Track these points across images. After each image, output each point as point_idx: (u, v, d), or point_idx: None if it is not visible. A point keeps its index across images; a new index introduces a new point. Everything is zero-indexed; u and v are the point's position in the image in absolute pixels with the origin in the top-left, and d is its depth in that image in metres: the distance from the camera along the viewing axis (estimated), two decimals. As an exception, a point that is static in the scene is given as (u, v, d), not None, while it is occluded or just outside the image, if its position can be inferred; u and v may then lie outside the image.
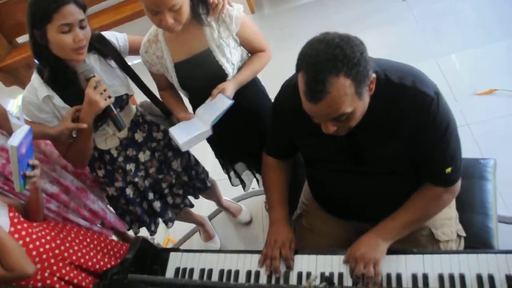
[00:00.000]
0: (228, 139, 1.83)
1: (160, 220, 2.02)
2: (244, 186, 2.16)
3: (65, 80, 1.51)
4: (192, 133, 1.52)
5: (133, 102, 1.76)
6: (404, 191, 1.36)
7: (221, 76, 1.57)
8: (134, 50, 1.68)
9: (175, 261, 1.49)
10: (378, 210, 1.36)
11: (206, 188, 2.10)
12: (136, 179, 1.80)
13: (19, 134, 1.32)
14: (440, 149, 1.24)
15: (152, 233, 2.03)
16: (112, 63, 1.63)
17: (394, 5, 3.48)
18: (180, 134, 1.53)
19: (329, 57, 1.04)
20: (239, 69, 1.64)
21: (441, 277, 1.21)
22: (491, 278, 1.17)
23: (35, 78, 1.52)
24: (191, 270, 1.45)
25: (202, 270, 1.44)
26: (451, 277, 1.20)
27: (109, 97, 1.48)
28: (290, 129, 1.41)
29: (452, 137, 1.24)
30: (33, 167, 1.40)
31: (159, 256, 1.52)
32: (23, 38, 4.53)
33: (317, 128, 1.22)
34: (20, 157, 1.32)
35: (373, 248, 1.28)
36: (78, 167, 1.75)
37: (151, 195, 1.88)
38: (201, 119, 1.55)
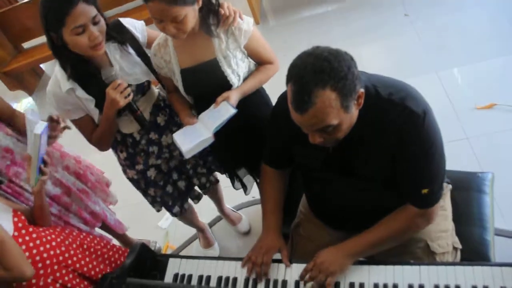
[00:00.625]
0: (230, 148, 1.84)
1: (186, 204, 2.03)
2: (245, 190, 2.17)
3: (87, 74, 1.55)
4: (195, 140, 1.54)
5: (154, 84, 1.80)
6: (391, 205, 1.35)
7: (226, 85, 1.59)
8: (151, 44, 1.70)
9: (173, 267, 1.50)
10: (369, 221, 1.37)
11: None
12: (159, 161, 1.83)
13: (40, 126, 1.38)
14: (419, 167, 1.23)
15: (174, 215, 2.03)
16: (131, 50, 1.65)
17: (396, 19, 3.52)
18: (184, 140, 1.56)
19: (317, 69, 1.07)
20: (245, 79, 1.65)
21: (437, 288, 1.22)
22: (486, 290, 1.18)
23: (58, 70, 1.57)
24: (190, 277, 1.46)
25: (201, 277, 1.45)
26: (454, 288, 1.21)
27: (130, 95, 1.54)
28: (285, 139, 1.43)
29: (434, 158, 1.23)
30: (45, 163, 1.45)
31: (158, 261, 1.53)
32: (29, 43, 4.59)
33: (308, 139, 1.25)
34: (40, 147, 1.37)
35: (334, 261, 1.31)
36: (102, 149, 1.78)
37: (175, 175, 1.91)
38: (204, 125, 1.57)
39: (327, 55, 1.08)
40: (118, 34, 1.62)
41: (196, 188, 2.07)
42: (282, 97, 1.43)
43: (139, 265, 1.46)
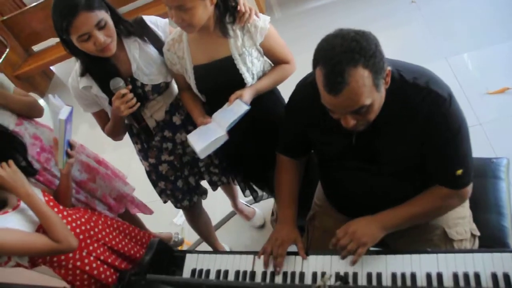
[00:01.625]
0: (241, 150, 1.83)
1: (195, 197, 2.03)
2: (255, 197, 2.16)
3: (102, 73, 1.58)
4: (209, 139, 1.53)
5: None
6: (411, 193, 1.36)
7: (240, 84, 1.58)
8: None
9: (191, 263, 1.52)
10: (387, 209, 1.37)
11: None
12: (172, 158, 1.85)
13: (65, 111, 1.43)
14: (451, 150, 1.24)
15: (182, 207, 2.02)
16: (152, 49, 1.66)
17: (403, 7, 3.48)
18: (198, 140, 1.55)
19: (346, 49, 1.07)
20: (260, 78, 1.64)
21: (455, 276, 1.21)
22: (506, 277, 1.17)
23: (78, 66, 1.62)
24: (207, 271, 1.47)
25: (218, 271, 1.46)
26: (466, 276, 1.20)
27: (134, 106, 1.56)
28: (304, 127, 1.43)
29: (463, 139, 1.25)
30: (72, 147, 1.53)
31: (176, 257, 1.54)
32: (39, 46, 4.64)
33: (332, 126, 1.25)
34: (66, 132, 1.43)
35: (366, 230, 1.31)
36: (115, 140, 1.83)
37: (186, 171, 1.93)
38: (218, 124, 1.56)
39: (354, 35, 1.09)
40: (140, 32, 1.63)
41: (204, 183, 2.06)
42: (301, 84, 1.43)
43: (157, 262, 1.47)
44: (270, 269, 1.41)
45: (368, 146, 1.31)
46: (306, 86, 1.38)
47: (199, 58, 1.59)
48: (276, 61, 1.66)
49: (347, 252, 1.30)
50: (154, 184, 1.97)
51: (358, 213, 1.52)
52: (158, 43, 1.67)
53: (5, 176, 1.35)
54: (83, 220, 1.55)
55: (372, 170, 1.36)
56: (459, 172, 1.26)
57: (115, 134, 1.77)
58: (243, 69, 1.56)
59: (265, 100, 1.66)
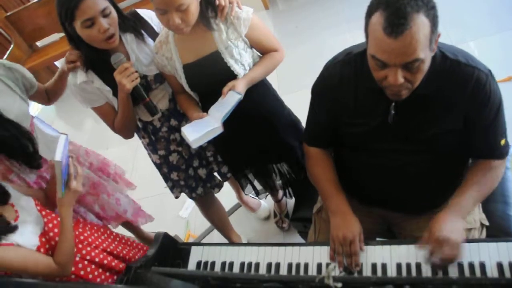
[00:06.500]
0: (237, 144, 1.83)
1: (208, 186, 2.04)
2: (257, 193, 2.16)
3: (104, 65, 1.57)
4: (203, 130, 1.52)
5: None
6: (442, 175, 1.38)
7: (231, 77, 1.58)
8: None
9: (196, 255, 1.52)
10: (411, 196, 1.39)
11: None
12: (180, 148, 1.85)
13: (59, 147, 1.37)
14: (496, 121, 1.28)
15: (197, 195, 2.01)
16: (149, 40, 1.67)
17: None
18: (192, 132, 1.54)
19: None
20: (251, 68, 1.63)
21: (460, 266, 1.21)
22: (512, 266, 1.17)
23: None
24: (213, 264, 1.48)
25: (223, 263, 1.47)
26: (471, 265, 1.20)
27: (137, 78, 1.55)
28: (336, 110, 1.40)
29: (503, 111, 1.30)
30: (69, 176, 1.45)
31: (181, 250, 1.55)
32: (43, 42, 4.65)
33: (364, 104, 1.26)
34: (63, 169, 1.37)
35: (455, 229, 1.23)
36: (126, 137, 1.82)
37: (196, 163, 1.93)
38: (212, 116, 1.56)
39: None
40: (135, 25, 1.63)
41: (216, 175, 2.06)
42: (330, 65, 1.41)
43: (162, 255, 1.48)
44: (274, 260, 1.41)
45: (407, 123, 1.30)
46: (335, 65, 1.37)
47: (187, 57, 1.60)
48: (264, 50, 1.67)
49: (450, 261, 1.21)
50: (166, 178, 1.97)
51: (379, 201, 1.51)
52: (154, 34, 1.67)
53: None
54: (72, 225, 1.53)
55: (407, 149, 1.35)
56: (503, 142, 1.32)
57: (126, 127, 1.74)
58: (231, 62, 1.56)
59: (255, 91, 1.66)
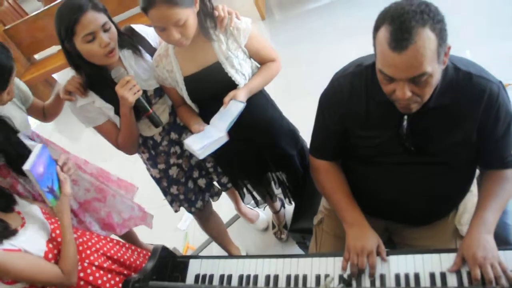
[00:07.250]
0: (236, 154, 1.83)
1: (207, 196, 2.03)
2: (257, 203, 2.15)
3: (104, 82, 1.56)
4: (208, 140, 1.53)
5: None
6: (451, 186, 1.38)
7: (231, 87, 1.59)
8: None
9: (194, 268, 1.52)
10: (419, 207, 1.39)
11: None
12: (180, 161, 1.86)
13: (31, 156, 1.37)
14: (509, 133, 1.29)
15: (196, 209, 2.00)
16: (147, 56, 1.67)
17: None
18: (197, 142, 1.54)
19: (416, 9, 1.07)
20: (250, 78, 1.65)
21: (459, 275, 1.21)
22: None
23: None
24: (211, 276, 1.48)
25: (222, 276, 1.46)
26: (469, 274, 1.20)
27: (139, 91, 1.54)
28: (346, 122, 1.39)
29: None
30: (61, 182, 1.47)
31: (179, 263, 1.54)
32: (40, 55, 4.67)
33: (375, 116, 1.25)
34: (38, 177, 1.36)
35: (488, 246, 1.22)
36: (129, 153, 1.81)
37: (196, 173, 1.93)
38: (216, 127, 1.57)
39: (424, 0, 1.09)
40: (132, 41, 1.63)
41: (215, 184, 2.06)
42: (342, 75, 1.39)
43: (160, 268, 1.48)
44: (273, 272, 1.40)
45: (419, 135, 1.29)
46: (345, 77, 1.36)
47: (188, 69, 1.60)
48: (262, 60, 1.69)
49: (498, 278, 1.17)
50: (165, 192, 1.96)
51: (386, 213, 1.50)
52: (151, 49, 1.68)
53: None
54: (78, 233, 1.57)
55: (418, 161, 1.34)
56: None
57: (130, 143, 1.72)
58: (231, 72, 1.57)
59: (254, 101, 1.66)
